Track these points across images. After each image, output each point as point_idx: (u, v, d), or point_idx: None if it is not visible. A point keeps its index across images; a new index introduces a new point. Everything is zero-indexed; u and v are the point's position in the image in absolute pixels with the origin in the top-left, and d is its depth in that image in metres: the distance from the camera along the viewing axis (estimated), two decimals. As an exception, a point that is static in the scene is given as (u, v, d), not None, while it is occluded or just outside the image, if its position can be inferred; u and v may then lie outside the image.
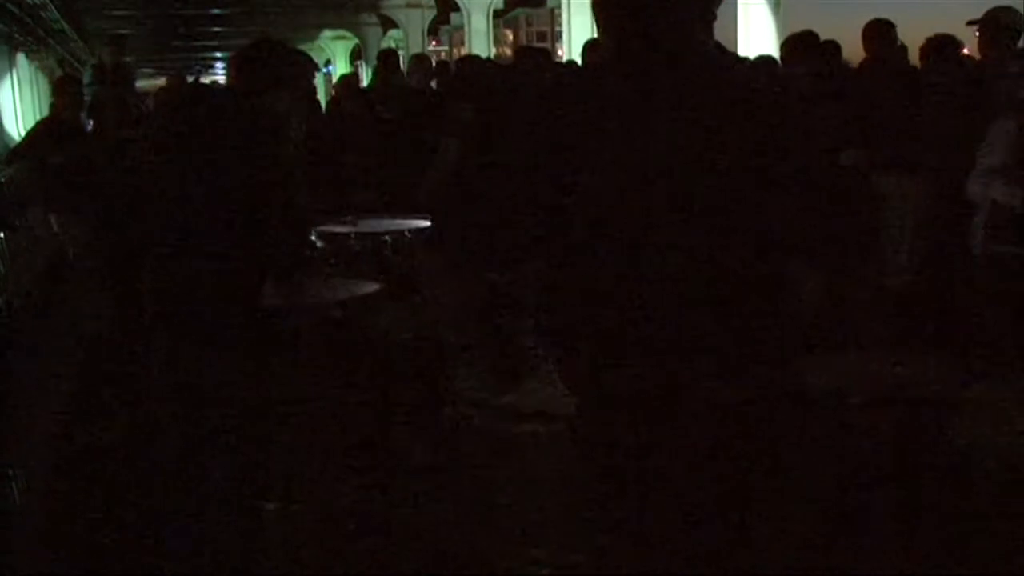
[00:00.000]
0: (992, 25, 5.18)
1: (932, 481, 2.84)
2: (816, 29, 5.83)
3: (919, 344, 3.77)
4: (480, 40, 19.83)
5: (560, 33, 22.18)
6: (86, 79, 9.97)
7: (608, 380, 1.98)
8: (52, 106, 8.03)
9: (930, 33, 5.67)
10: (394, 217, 5.57)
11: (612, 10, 2.09)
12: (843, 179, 4.09)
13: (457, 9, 21.32)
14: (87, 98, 8.01)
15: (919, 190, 4.90)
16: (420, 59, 8.82)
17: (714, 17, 2.09)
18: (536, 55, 7.25)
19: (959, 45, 5.47)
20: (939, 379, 3.04)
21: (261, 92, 3.55)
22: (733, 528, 1.98)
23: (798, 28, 6.01)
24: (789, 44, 5.83)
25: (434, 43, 30.79)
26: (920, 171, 4.99)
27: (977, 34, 5.31)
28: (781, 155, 1.97)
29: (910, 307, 4.32)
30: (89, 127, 7.90)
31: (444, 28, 30.69)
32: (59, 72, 18.94)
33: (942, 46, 5.44)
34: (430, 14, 23.30)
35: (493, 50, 21.04)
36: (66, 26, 18.42)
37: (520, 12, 30.57)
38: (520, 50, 8.12)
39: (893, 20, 6.27)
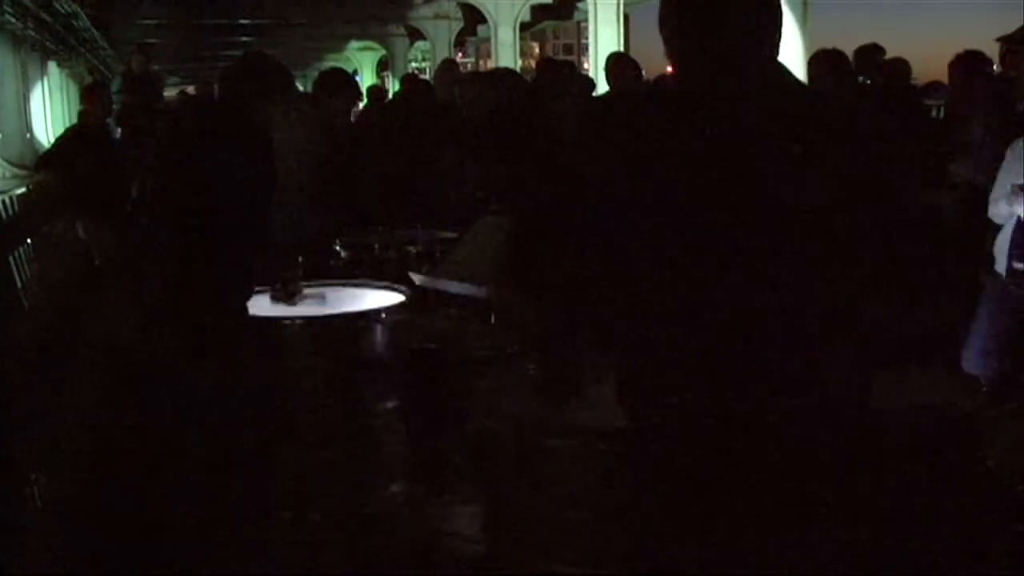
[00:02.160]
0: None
1: (962, 499, 2.81)
2: (844, 42, 5.83)
3: (946, 361, 3.73)
4: (507, 52, 19.86)
5: (586, 46, 22.20)
6: (115, 87, 10.07)
7: (672, 402, 1.94)
8: (81, 113, 8.12)
9: (959, 48, 5.64)
10: (419, 228, 5.57)
11: (704, 36, 1.94)
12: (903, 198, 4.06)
13: (484, 21, 21.36)
14: (116, 106, 8.09)
15: (949, 207, 4.87)
16: (448, 65, 8.80)
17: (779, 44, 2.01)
18: (560, 68, 7.22)
19: (989, 62, 5.43)
20: (966, 397, 3.01)
21: (247, 102, 3.66)
22: (782, 553, 1.95)
23: (826, 42, 6.01)
24: (817, 60, 5.80)
25: (460, 55, 30.86)
26: (950, 188, 4.96)
27: (1008, 51, 5.27)
28: (878, 186, 1.93)
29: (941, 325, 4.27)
30: (117, 134, 7.98)
31: (471, 40, 30.70)
32: (89, 80, 19.12)
33: (972, 62, 5.39)
34: (457, 26, 23.36)
35: (519, 62, 21.07)
36: (96, 34, 18.60)
37: (547, 25, 30.68)
38: (544, 63, 8.07)
39: (921, 35, 6.29)
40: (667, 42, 2.01)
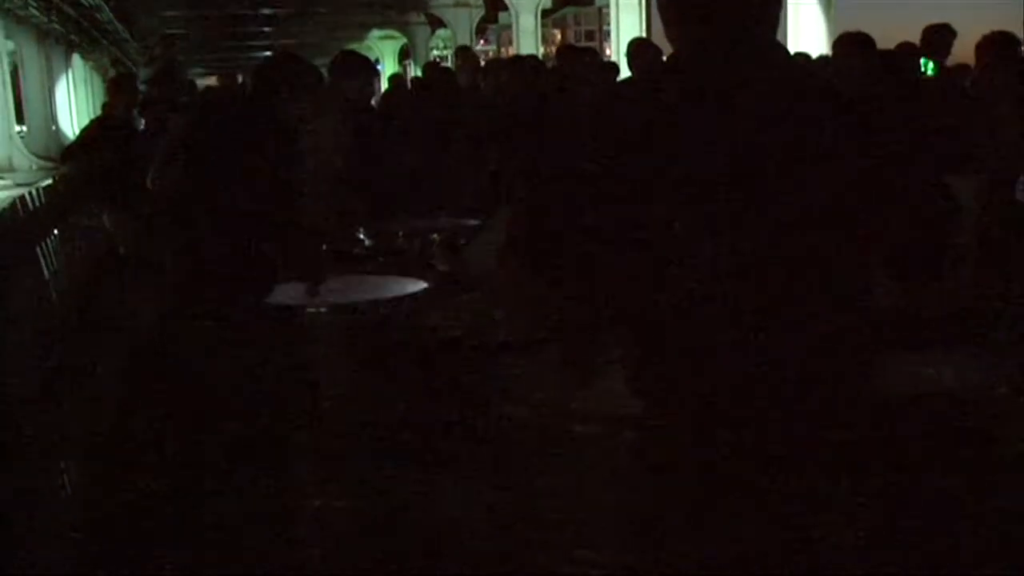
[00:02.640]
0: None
1: (975, 484, 2.79)
2: (868, 29, 5.73)
3: (974, 347, 3.69)
4: (528, 39, 19.82)
5: (608, 32, 22.10)
6: (142, 78, 10.11)
7: (683, 384, 1.94)
8: (105, 105, 8.15)
9: (984, 31, 5.57)
10: (442, 216, 5.58)
11: (711, 14, 1.93)
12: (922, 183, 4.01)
13: (505, 8, 21.30)
14: (140, 97, 8.13)
15: (977, 192, 4.82)
16: (467, 52, 8.78)
17: (778, 21, 2.02)
18: (581, 55, 7.18)
19: (1018, 43, 5.36)
20: (991, 383, 2.99)
21: (275, 100, 3.70)
22: (799, 536, 1.94)
23: (849, 27, 5.91)
24: (842, 42, 5.74)
25: (482, 42, 30.84)
26: (978, 173, 4.91)
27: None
28: (876, 160, 1.91)
29: (967, 310, 4.24)
30: (141, 126, 8.02)
31: (492, 27, 30.67)
32: (112, 71, 19.21)
33: (999, 44, 5.33)
34: (478, 13, 23.32)
35: (541, 49, 21.03)
36: (120, 26, 18.70)
37: (568, 11, 30.64)
38: (564, 49, 8.03)
39: (946, 20, 6.16)
40: (670, 20, 2.01)
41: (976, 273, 4.59)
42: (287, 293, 4.05)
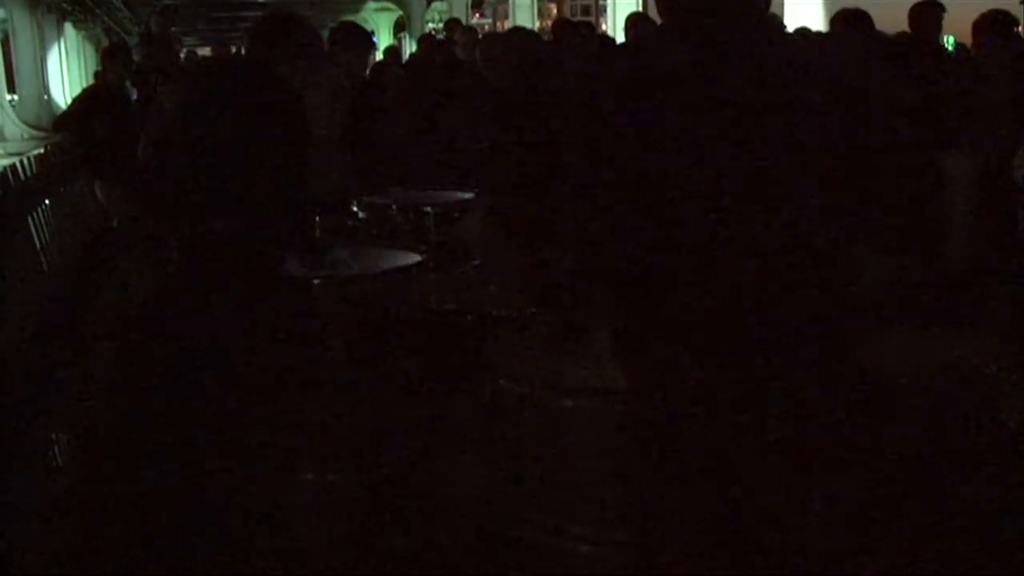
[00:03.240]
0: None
1: (979, 463, 2.80)
2: (863, 3, 5.70)
3: (969, 325, 3.70)
4: (524, 13, 19.73)
5: (604, 7, 22.00)
6: (133, 48, 10.05)
7: (664, 358, 1.94)
8: (97, 74, 8.09)
9: (983, 10, 5.55)
10: (436, 189, 5.57)
11: None
12: (911, 157, 4.01)
13: (501, -18, 21.22)
14: (133, 67, 8.08)
15: (971, 169, 4.81)
16: (466, 30, 8.77)
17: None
18: (577, 29, 7.13)
19: (1014, 21, 5.34)
20: (987, 360, 2.99)
21: (272, 55, 3.64)
22: (779, 509, 1.95)
23: (846, 3, 5.89)
24: (839, 18, 5.71)
25: (478, 16, 30.68)
26: (973, 150, 4.90)
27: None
28: (857, 132, 1.91)
29: (961, 288, 4.25)
30: (134, 96, 7.97)
31: (488, 1, 30.50)
32: (105, 41, 19.07)
33: (997, 23, 5.31)
34: (474, -14, 23.19)
35: (537, 23, 20.93)
36: (113, -5, 18.54)
37: (564, -15, 30.52)
38: (561, 23, 7.96)
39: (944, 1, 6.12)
40: None
41: (966, 249, 4.59)
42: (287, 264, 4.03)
